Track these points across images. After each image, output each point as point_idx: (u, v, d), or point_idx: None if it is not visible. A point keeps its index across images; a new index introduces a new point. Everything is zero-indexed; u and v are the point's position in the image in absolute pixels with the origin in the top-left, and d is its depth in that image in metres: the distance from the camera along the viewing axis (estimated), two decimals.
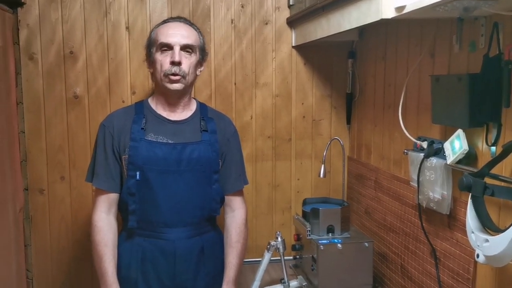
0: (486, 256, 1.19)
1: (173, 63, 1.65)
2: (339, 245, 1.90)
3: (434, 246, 1.63)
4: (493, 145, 1.32)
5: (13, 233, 2.01)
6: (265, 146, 2.43)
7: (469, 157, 1.41)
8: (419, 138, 1.69)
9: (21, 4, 2.13)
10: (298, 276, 2.08)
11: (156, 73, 1.70)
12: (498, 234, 1.15)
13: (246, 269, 2.13)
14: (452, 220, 1.54)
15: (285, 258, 1.99)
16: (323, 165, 2.15)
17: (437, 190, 1.54)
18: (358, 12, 1.54)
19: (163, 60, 1.67)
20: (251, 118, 2.40)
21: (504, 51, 1.26)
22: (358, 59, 2.36)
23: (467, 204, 1.28)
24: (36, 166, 2.23)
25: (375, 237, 2.09)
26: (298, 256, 2.17)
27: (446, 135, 1.53)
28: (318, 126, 2.47)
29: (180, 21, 1.75)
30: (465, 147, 1.38)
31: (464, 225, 1.34)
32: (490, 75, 1.29)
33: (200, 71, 1.79)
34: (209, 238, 1.78)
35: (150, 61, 1.74)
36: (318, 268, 1.89)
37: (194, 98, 1.86)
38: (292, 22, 2.35)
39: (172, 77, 1.66)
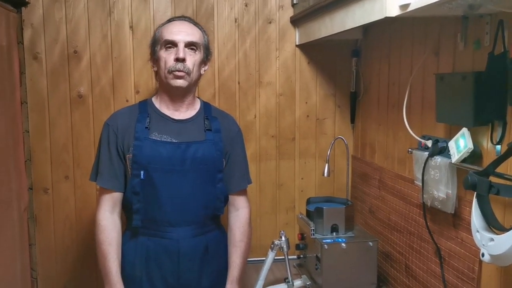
0: (491, 255, 1.19)
1: (177, 59, 1.66)
2: (343, 244, 1.89)
3: (438, 245, 1.63)
4: (498, 143, 1.31)
5: (18, 232, 2.02)
6: (269, 146, 2.43)
7: (474, 156, 1.40)
8: (423, 137, 1.68)
9: (25, 4, 2.14)
10: (302, 276, 2.08)
11: (160, 70, 1.70)
12: (503, 233, 1.14)
13: (250, 268, 2.13)
14: (457, 219, 1.53)
15: (289, 257, 1.99)
16: (327, 164, 2.15)
17: (441, 189, 1.53)
18: (362, 10, 1.53)
19: (168, 57, 1.67)
20: (255, 117, 2.40)
21: (509, 49, 1.26)
22: (362, 57, 2.36)
23: (472, 203, 1.28)
24: (40, 166, 2.24)
25: (379, 236, 2.09)
26: (302, 256, 2.17)
27: (450, 134, 1.53)
28: (322, 125, 2.46)
29: (184, 20, 1.76)
30: (470, 145, 1.37)
31: (469, 224, 1.33)
32: (495, 73, 1.28)
33: (204, 70, 1.79)
34: (213, 237, 1.78)
35: (154, 59, 1.74)
36: (322, 267, 1.89)
37: (198, 97, 1.86)
38: (296, 21, 2.34)
39: (177, 73, 1.66)
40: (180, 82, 1.68)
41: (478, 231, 1.24)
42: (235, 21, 2.34)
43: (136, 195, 1.68)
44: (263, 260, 1.99)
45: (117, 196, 1.73)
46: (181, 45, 1.67)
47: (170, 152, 1.68)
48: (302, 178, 2.48)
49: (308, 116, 2.44)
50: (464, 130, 1.40)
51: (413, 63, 1.82)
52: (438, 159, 1.54)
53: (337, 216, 1.99)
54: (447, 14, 1.40)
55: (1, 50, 1.87)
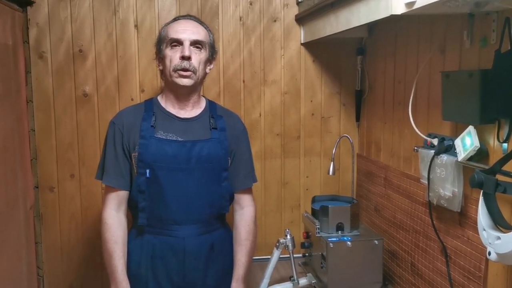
0: (497, 254, 1.18)
1: (183, 57, 1.66)
2: (348, 242, 1.89)
3: (444, 244, 1.62)
4: (505, 141, 1.30)
5: (24, 231, 2.03)
6: (274, 144, 2.43)
7: (481, 154, 1.39)
8: (429, 135, 1.67)
9: (31, 3, 2.14)
10: (307, 274, 2.08)
11: (165, 69, 1.71)
12: (510, 232, 1.14)
13: (255, 266, 2.13)
14: (463, 218, 1.52)
15: (294, 255, 1.99)
16: (332, 163, 2.14)
17: (447, 188, 1.53)
18: (367, 8, 1.53)
19: (173, 56, 1.68)
20: (260, 115, 2.40)
21: None
22: (367, 56, 2.35)
23: (478, 201, 1.27)
24: (46, 164, 2.24)
25: (384, 235, 2.08)
26: (307, 254, 2.16)
27: (457, 132, 1.52)
28: (327, 123, 2.46)
29: (190, 19, 1.76)
30: (476, 143, 1.37)
31: (475, 223, 1.33)
32: (501, 71, 1.27)
33: (210, 69, 1.79)
34: (219, 236, 1.78)
35: (160, 58, 1.75)
36: (327, 265, 1.89)
37: (203, 96, 1.86)
38: (301, 19, 2.34)
39: (182, 72, 1.66)
40: (185, 81, 1.68)
41: (484, 230, 1.23)
42: (240, 20, 2.33)
43: (142, 193, 1.69)
44: (268, 258, 2.00)
45: (122, 194, 1.73)
46: (186, 44, 1.67)
47: (176, 150, 1.68)
48: (307, 177, 2.48)
49: (313, 114, 2.44)
50: (471, 128, 1.39)
51: (419, 61, 1.81)
52: (444, 157, 1.54)
53: (343, 215, 1.99)
54: (453, 11, 1.39)
55: (6, 49, 1.87)
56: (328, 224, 1.98)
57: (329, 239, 1.90)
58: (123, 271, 1.67)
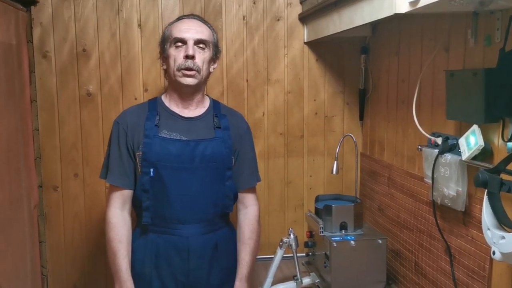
0: (502, 253, 1.17)
1: (187, 57, 1.66)
2: (352, 242, 1.89)
3: (448, 243, 1.62)
4: (509, 140, 1.30)
5: (28, 230, 2.03)
6: (277, 143, 2.43)
7: (485, 153, 1.39)
8: (433, 134, 1.67)
9: (35, 3, 2.15)
10: (310, 273, 2.07)
11: (169, 68, 1.71)
12: None
13: (258, 266, 2.13)
14: (467, 217, 1.52)
15: (298, 255, 1.98)
16: (335, 162, 2.14)
17: (452, 187, 1.52)
18: (371, 7, 1.52)
19: (177, 55, 1.68)
20: (263, 114, 2.40)
21: None
22: (371, 54, 2.34)
23: (482, 200, 1.26)
24: (50, 164, 2.25)
25: (388, 234, 2.08)
26: (310, 253, 2.16)
27: (461, 131, 1.51)
28: (330, 122, 2.46)
29: (194, 18, 1.76)
30: (481, 143, 1.36)
31: (480, 222, 1.32)
32: (506, 69, 1.26)
33: (214, 68, 1.79)
34: (223, 235, 1.78)
35: (164, 57, 1.75)
36: (331, 265, 1.89)
37: (207, 95, 1.86)
38: (304, 18, 2.33)
39: (186, 72, 1.67)
40: (189, 81, 1.68)
41: (489, 229, 1.23)
42: (243, 19, 2.33)
43: (146, 192, 1.69)
44: (272, 257, 2.00)
45: (127, 193, 1.74)
46: (190, 43, 1.67)
47: (180, 149, 1.68)
48: (310, 176, 2.48)
49: (316, 113, 2.44)
50: (475, 127, 1.39)
51: (422, 60, 1.80)
52: (448, 156, 1.53)
53: (346, 214, 1.98)
54: (457, 10, 1.39)
55: (10, 48, 1.88)
56: (331, 223, 1.97)
57: (333, 239, 1.90)
58: (127, 270, 1.68)
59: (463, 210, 1.51)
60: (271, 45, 2.36)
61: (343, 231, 1.98)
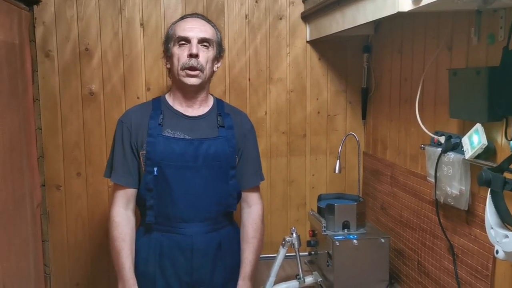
0: (505, 252, 1.17)
1: (190, 55, 1.67)
2: (354, 241, 1.89)
3: (451, 242, 1.61)
4: None
5: (31, 229, 2.03)
6: (280, 142, 2.42)
7: (488, 152, 1.38)
8: (436, 133, 1.66)
9: (37, 2, 2.15)
10: (313, 272, 2.07)
11: (173, 67, 1.71)
12: None
13: (261, 265, 2.12)
14: (470, 216, 1.51)
15: (300, 254, 1.98)
16: (338, 161, 2.14)
17: (455, 186, 1.52)
18: (374, 5, 1.52)
19: (181, 54, 1.68)
20: (266, 113, 2.39)
21: None
22: (373, 53, 2.34)
23: (485, 199, 1.26)
24: (52, 163, 2.25)
25: (391, 233, 2.08)
26: (313, 252, 2.16)
27: (464, 130, 1.51)
28: (333, 121, 2.45)
29: (197, 17, 1.77)
30: (484, 141, 1.36)
31: (483, 221, 1.32)
32: (509, 68, 1.26)
33: (217, 67, 1.80)
34: (226, 233, 1.79)
35: (168, 56, 1.75)
36: (333, 264, 1.88)
37: (211, 94, 1.86)
38: (307, 17, 2.33)
39: (190, 72, 1.67)
40: (193, 81, 1.68)
41: (492, 228, 1.22)
42: (246, 18, 2.33)
43: (150, 191, 1.69)
44: (274, 256, 1.99)
45: (131, 192, 1.74)
46: (194, 41, 1.68)
47: (183, 148, 1.68)
48: (313, 175, 2.47)
49: (319, 112, 2.44)
50: (478, 125, 1.38)
51: (425, 58, 1.80)
52: (451, 155, 1.53)
53: (349, 213, 1.98)
54: (460, 8, 1.38)
55: (13, 48, 1.88)
56: (334, 222, 1.97)
57: (335, 238, 1.90)
58: (130, 269, 1.68)
59: (466, 209, 1.51)
60: (274, 44, 2.36)
61: (345, 230, 1.97)
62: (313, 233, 2.12)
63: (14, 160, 1.84)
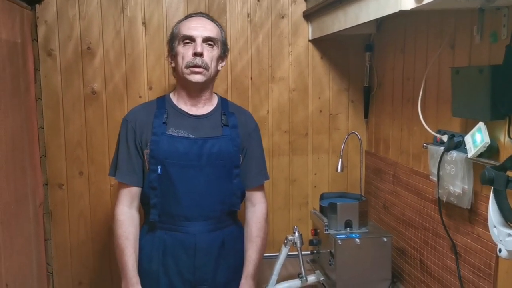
0: (508, 251, 1.17)
1: (195, 54, 1.67)
2: (357, 240, 1.88)
3: (454, 241, 1.61)
4: None
5: (34, 228, 2.04)
6: (282, 141, 2.42)
7: (491, 150, 1.38)
8: (439, 132, 1.66)
9: (39, 1, 2.15)
10: (315, 271, 2.07)
11: (178, 66, 1.71)
12: None
13: (263, 264, 2.11)
14: (473, 215, 1.51)
15: (302, 253, 1.98)
16: (340, 160, 2.14)
17: (457, 184, 1.52)
18: (376, 3, 1.52)
19: (185, 53, 1.68)
20: (268, 112, 2.39)
21: None
22: (375, 52, 2.34)
23: (488, 198, 1.26)
24: (55, 162, 2.26)
25: (393, 232, 2.07)
26: (315, 251, 2.16)
27: (466, 128, 1.51)
28: (335, 120, 2.45)
29: (202, 16, 1.77)
30: (487, 140, 1.35)
31: (486, 220, 1.32)
32: None
33: (222, 66, 1.80)
34: (230, 232, 1.79)
35: (172, 55, 1.76)
36: (336, 263, 1.88)
37: (216, 93, 1.86)
38: (309, 16, 2.33)
39: (194, 69, 1.67)
40: (197, 78, 1.68)
41: (495, 227, 1.22)
42: (248, 16, 2.33)
43: (154, 190, 1.70)
44: (277, 255, 2.00)
45: (135, 191, 1.74)
46: (198, 40, 1.68)
47: (187, 147, 1.68)
48: (315, 174, 2.47)
49: (321, 111, 2.43)
50: (481, 124, 1.38)
51: (428, 57, 1.79)
52: (454, 154, 1.53)
53: (351, 212, 1.98)
54: (463, 6, 1.38)
55: (15, 47, 1.88)
56: (336, 221, 1.97)
57: (338, 236, 1.90)
58: (133, 267, 1.68)
59: (469, 207, 1.50)
60: (276, 42, 2.36)
61: (348, 229, 1.97)
62: (315, 232, 2.12)
63: (17, 159, 1.84)
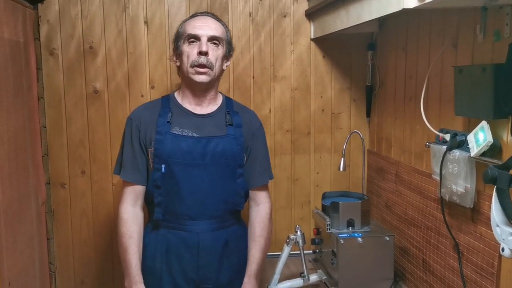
0: (511, 250, 1.17)
1: (200, 53, 1.67)
2: (359, 239, 1.88)
3: (457, 240, 1.61)
4: None
5: (36, 227, 2.04)
6: (284, 140, 2.42)
7: (494, 149, 1.38)
8: (441, 131, 1.66)
9: (41, 0, 2.15)
10: (317, 270, 2.07)
11: (183, 65, 1.72)
12: None
13: (265, 263, 2.12)
14: (475, 214, 1.51)
15: (305, 252, 1.98)
16: (342, 159, 2.14)
17: (460, 183, 1.51)
18: (379, 2, 1.51)
19: (190, 52, 1.68)
20: (270, 111, 2.39)
21: None
22: (378, 51, 2.33)
23: (491, 197, 1.26)
24: (57, 161, 2.26)
25: (395, 231, 2.07)
26: (317, 250, 2.16)
27: (469, 127, 1.50)
28: (337, 119, 2.45)
29: (207, 15, 1.78)
30: (490, 139, 1.35)
31: (488, 219, 1.31)
32: None
33: (227, 65, 1.80)
34: (233, 231, 1.79)
35: (177, 54, 1.76)
36: (338, 262, 1.88)
37: (220, 92, 1.86)
38: (311, 14, 2.32)
39: (199, 69, 1.67)
40: (202, 78, 1.69)
41: (498, 226, 1.22)
42: (250, 15, 2.33)
43: (158, 188, 1.70)
44: (279, 254, 2.00)
45: (139, 189, 1.75)
46: (204, 39, 1.68)
47: (191, 146, 1.69)
48: (317, 173, 2.47)
49: (323, 110, 2.43)
50: (484, 123, 1.38)
51: (430, 56, 1.79)
52: (456, 152, 1.52)
53: (353, 211, 1.98)
54: (465, 5, 1.38)
55: (18, 46, 1.88)
56: (338, 220, 1.97)
57: (340, 236, 1.90)
58: (137, 266, 1.69)
59: (471, 206, 1.50)
60: (278, 41, 2.36)
61: (350, 228, 1.97)
62: (318, 231, 2.12)
63: (19, 158, 1.85)
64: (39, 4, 2.17)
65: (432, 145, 1.68)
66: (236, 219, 1.82)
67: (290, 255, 1.99)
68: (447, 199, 1.60)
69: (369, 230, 1.97)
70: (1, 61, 1.67)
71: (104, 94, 2.26)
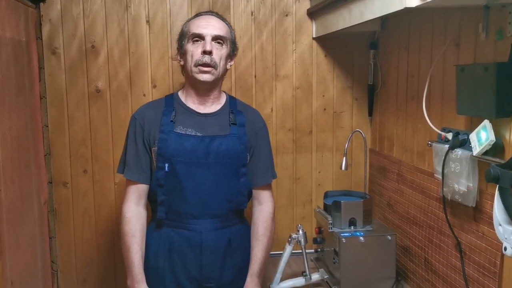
0: None
1: (204, 52, 1.67)
2: (361, 238, 1.88)
3: (459, 239, 1.61)
4: None
5: (38, 226, 2.05)
6: (286, 139, 2.42)
7: (496, 148, 1.37)
8: (443, 130, 1.65)
9: (44, 0, 2.16)
10: (319, 269, 2.07)
11: (187, 64, 1.72)
12: None
13: (267, 262, 2.13)
14: (478, 213, 1.51)
15: (307, 251, 1.98)
16: (344, 158, 2.13)
17: (462, 182, 1.51)
18: (381, 1, 1.51)
19: (194, 51, 1.69)
20: (272, 110, 2.39)
21: None
22: (380, 50, 2.33)
23: (493, 196, 1.26)
24: (59, 160, 2.26)
25: (397, 230, 2.07)
26: (319, 249, 2.16)
27: (471, 126, 1.50)
28: (339, 118, 2.45)
29: (212, 14, 1.78)
30: (492, 138, 1.35)
31: (491, 218, 1.31)
32: None
33: (230, 65, 1.80)
34: (236, 231, 1.79)
35: (181, 53, 1.76)
36: (340, 261, 1.88)
37: (224, 92, 1.86)
38: (313, 13, 2.32)
39: (203, 68, 1.67)
40: (206, 77, 1.69)
41: (500, 225, 1.22)
42: (252, 14, 2.33)
43: (161, 187, 1.70)
44: (281, 253, 2.00)
45: (143, 188, 1.75)
46: (208, 38, 1.68)
47: (194, 145, 1.69)
48: (319, 172, 2.47)
49: (325, 109, 2.43)
50: (486, 122, 1.37)
51: (432, 55, 1.79)
52: (458, 151, 1.52)
53: (355, 210, 1.98)
54: (468, 4, 1.38)
55: (20, 45, 1.89)
56: (340, 219, 1.97)
57: (342, 235, 1.90)
58: (139, 265, 1.69)
59: (474, 205, 1.50)
60: (280, 40, 2.36)
61: (352, 227, 1.97)
62: (319, 230, 2.12)
63: (21, 158, 1.85)
64: (41, 3, 2.17)
65: (434, 144, 1.68)
66: (239, 218, 1.82)
67: (292, 254, 1.99)
68: (449, 198, 1.60)
69: (371, 229, 1.97)
70: (3, 61, 1.67)
71: (106, 93, 2.26)
